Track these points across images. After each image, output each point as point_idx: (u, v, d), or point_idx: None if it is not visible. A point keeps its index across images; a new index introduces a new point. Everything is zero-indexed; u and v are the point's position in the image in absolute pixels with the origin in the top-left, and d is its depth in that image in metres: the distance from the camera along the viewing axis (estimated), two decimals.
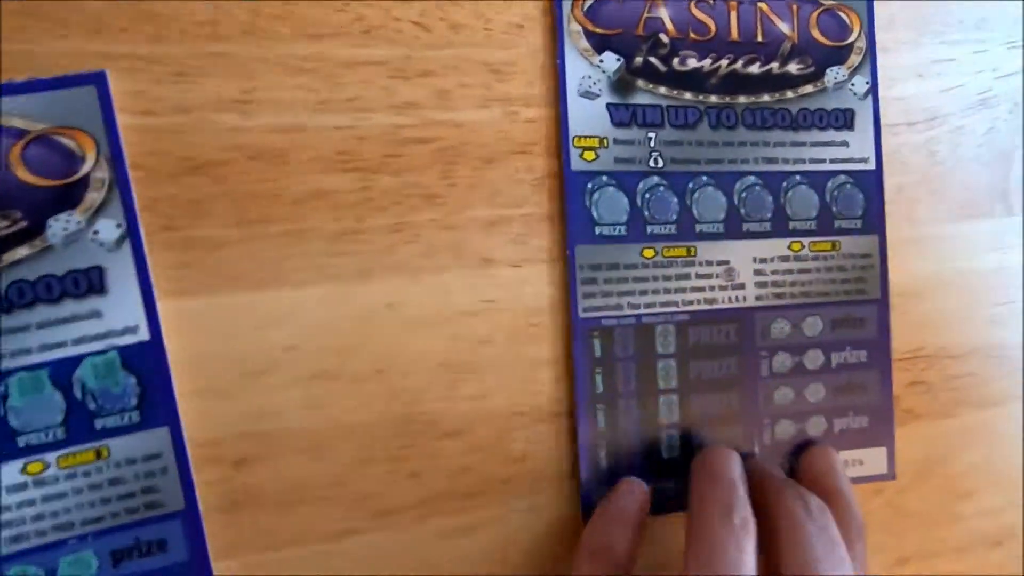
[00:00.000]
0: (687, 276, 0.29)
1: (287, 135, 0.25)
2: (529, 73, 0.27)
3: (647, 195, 0.29)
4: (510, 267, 0.27)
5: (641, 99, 0.28)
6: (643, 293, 0.29)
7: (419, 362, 0.26)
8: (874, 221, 0.32)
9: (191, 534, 0.23)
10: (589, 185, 0.28)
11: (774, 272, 0.30)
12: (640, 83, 0.28)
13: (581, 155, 0.28)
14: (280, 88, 0.25)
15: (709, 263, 0.29)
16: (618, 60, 0.28)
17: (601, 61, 0.28)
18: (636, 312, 0.28)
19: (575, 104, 0.28)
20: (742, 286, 0.30)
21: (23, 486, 0.22)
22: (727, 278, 0.30)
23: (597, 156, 0.28)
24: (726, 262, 0.30)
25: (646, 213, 0.29)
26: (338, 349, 0.25)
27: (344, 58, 0.25)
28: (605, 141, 0.28)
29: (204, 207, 0.24)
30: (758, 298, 0.30)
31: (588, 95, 0.28)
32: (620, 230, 0.28)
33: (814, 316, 0.31)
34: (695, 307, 0.29)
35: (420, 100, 0.26)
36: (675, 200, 0.29)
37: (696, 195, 0.29)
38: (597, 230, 0.28)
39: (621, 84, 0.28)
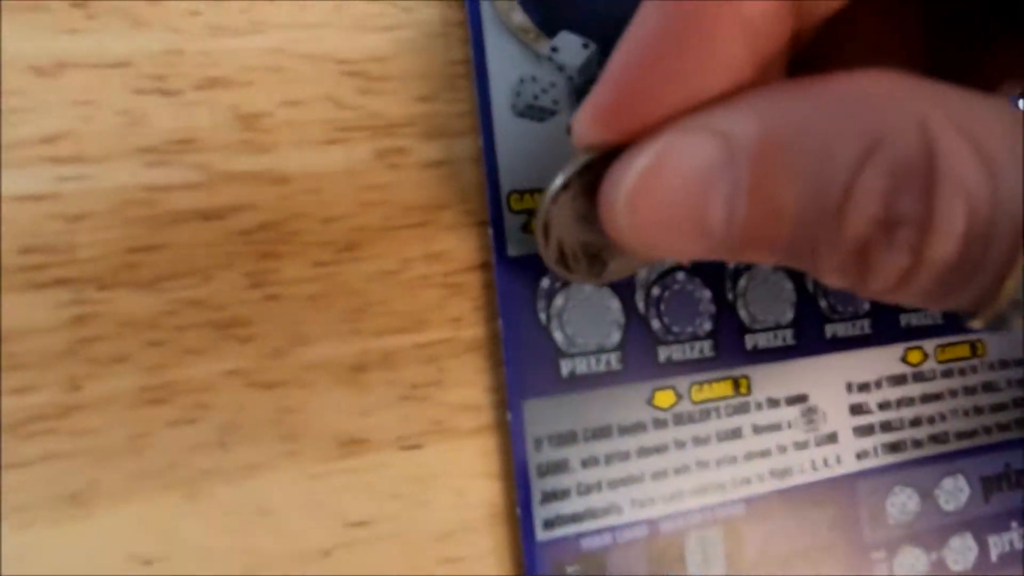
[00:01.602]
0: (737, 433, 0.16)
1: None
2: (420, 77, 0.15)
3: (656, 291, 0.16)
4: (400, 451, 0.14)
5: None
6: (659, 476, 0.15)
7: None
8: None
9: None
10: (544, 283, 0.15)
11: (883, 406, 0.18)
12: None
13: (526, 226, 0.15)
14: None
15: (774, 403, 0.16)
16: (585, 46, 0.16)
17: (554, 50, 0.15)
18: (648, 515, 0.15)
19: (508, 131, 0.15)
20: (832, 437, 0.17)
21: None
22: (807, 426, 0.17)
23: None
24: (803, 397, 0.17)
25: (656, 324, 0.16)
26: None
27: (45, 57, 0.13)
28: None
29: None
30: (861, 455, 0.17)
31: (532, 112, 0.15)
32: (608, 361, 0.15)
33: (954, 475, 0.18)
34: (755, 488, 0.16)
35: (200, 134, 0.13)
36: (707, 294, 0.16)
37: (742, 282, 0.16)
38: (564, 367, 0.15)
39: None
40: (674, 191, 0.10)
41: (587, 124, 0.11)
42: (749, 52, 0.10)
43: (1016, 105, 0.14)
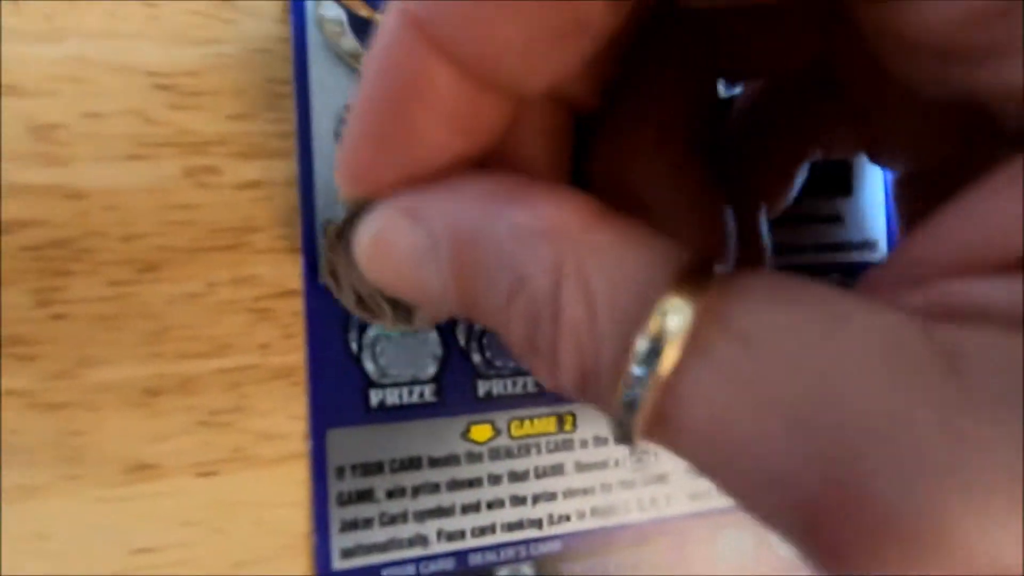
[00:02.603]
0: (559, 469, 0.16)
1: None
2: (237, 94, 0.14)
3: (479, 324, 0.16)
4: (195, 477, 0.14)
5: None
6: (470, 510, 0.15)
7: None
8: None
9: None
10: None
11: None
12: None
13: None
14: None
15: (600, 441, 0.16)
16: None
17: None
18: (456, 547, 0.15)
19: (329, 158, 0.14)
20: (663, 478, 0.17)
21: None
22: (636, 466, 0.17)
23: None
24: None
25: (477, 357, 0.15)
26: None
27: None
28: None
29: None
30: (694, 496, 0.17)
31: None
32: (423, 393, 0.15)
33: None
34: (574, 525, 0.16)
35: None
36: None
37: None
38: (374, 396, 0.15)
39: None
40: (394, 264, 0.11)
41: (338, 179, 0.11)
42: (455, 132, 0.10)
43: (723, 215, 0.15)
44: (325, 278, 0.13)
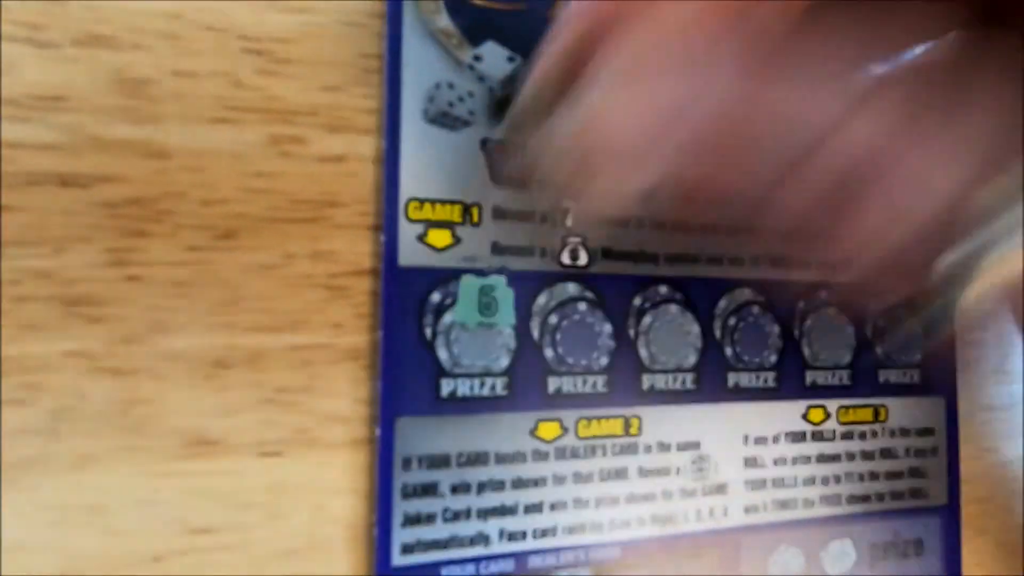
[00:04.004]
0: (622, 473, 0.16)
1: None
2: (328, 65, 0.14)
3: (554, 319, 0.15)
4: (257, 457, 0.13)
5: None
6: (533, 510, 0.15)
7: None
8: (941, 371, 0.19)
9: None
10: (436, 297, 0.14)
11: (778, 461, 0.17)
12: None
13: (422, 237, 0.14)
14: None
15: (664, 447, 0.16)
16: (511, 59, 0.15)
17: (477, 59, 0.15)
18: (517, 548, 0.15)
19: (416, 136, 0.14)
20: (722, 488, 0.16)
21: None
22: (697, 475, 0.16)
23: (457, 240, 0.14)
24: (695, 444, 0.16)
25: (549, 353, 0.15)
26: None
27: None
28: (475, 212, 0.15)
29: None
30: (749, 509, 0.17)
31: (445, 120, 0.14)
32: (494, 386, 0.15)
33: (842, 539, 0.18)
34: (633, 532, 0.16)
35: (73, 94, 0.12)
36: (607, 328, 0.15)
37: (647, 320, 0.16)
38: (445, 386, 0.14)
39: None
40: None
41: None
42: None
43: None
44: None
